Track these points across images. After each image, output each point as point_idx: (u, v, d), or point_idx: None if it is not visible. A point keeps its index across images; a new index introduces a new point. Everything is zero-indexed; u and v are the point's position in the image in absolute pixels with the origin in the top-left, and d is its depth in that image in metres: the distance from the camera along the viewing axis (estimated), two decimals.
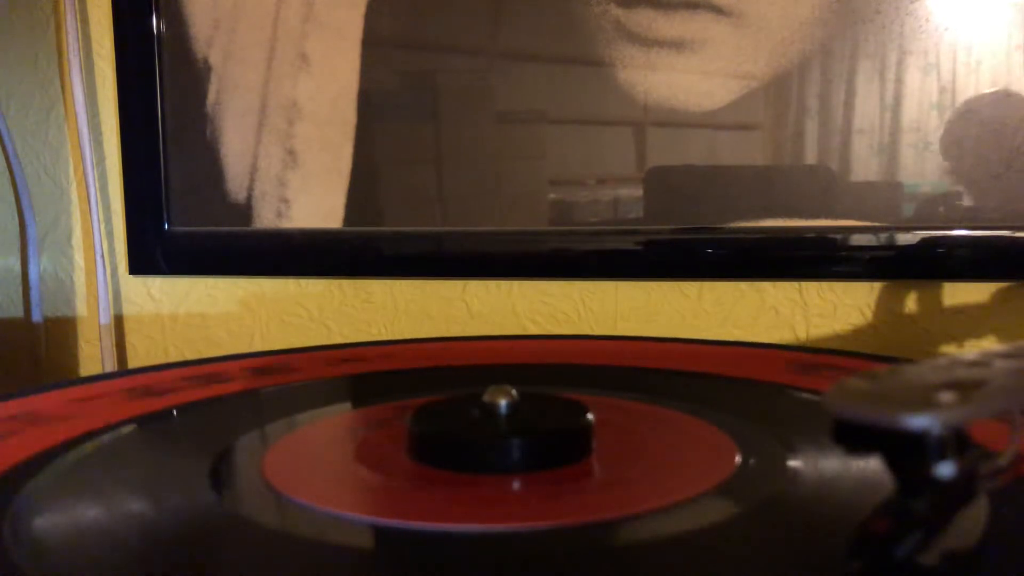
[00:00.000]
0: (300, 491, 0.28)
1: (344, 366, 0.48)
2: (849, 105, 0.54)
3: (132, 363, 0.66)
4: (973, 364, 0.22)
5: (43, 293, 0.67)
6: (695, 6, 0.55)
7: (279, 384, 0.44)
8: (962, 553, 0.22)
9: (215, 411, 0.39)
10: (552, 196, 0.58)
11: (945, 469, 0.19)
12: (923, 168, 0.54)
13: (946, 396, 0.19)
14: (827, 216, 0.55)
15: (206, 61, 0.62)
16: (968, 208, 0.53)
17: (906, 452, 0.19)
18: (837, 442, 0.20)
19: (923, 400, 0.19)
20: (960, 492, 0.21)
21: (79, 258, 0.67)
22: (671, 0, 0.56)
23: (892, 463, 0.20)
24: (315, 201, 0.61)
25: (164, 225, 0.63)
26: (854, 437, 0.20)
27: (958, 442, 0.19)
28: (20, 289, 0.67)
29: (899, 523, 0.20)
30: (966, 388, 0.20)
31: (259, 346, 0.64)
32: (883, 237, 0.54)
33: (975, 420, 0.20)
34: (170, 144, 0.63)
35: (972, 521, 0.23)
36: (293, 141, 0.61)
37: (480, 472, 0.29)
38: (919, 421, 0.19)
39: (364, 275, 0.62)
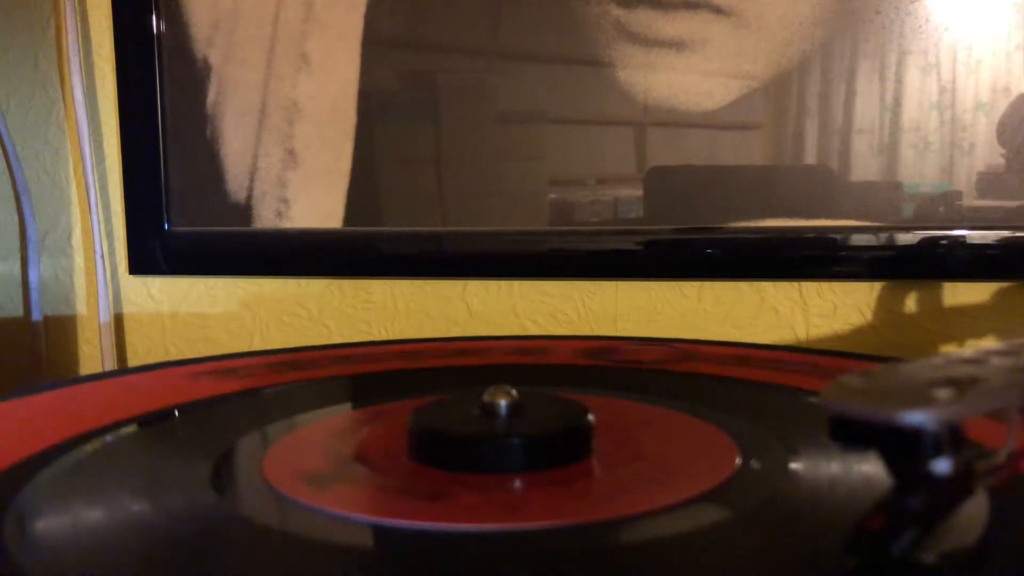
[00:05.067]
0: (300, 491, 0.28)
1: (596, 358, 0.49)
2: (849, 105, 0.54)
3: (132, 363, 0.66)
4: (969, 362, 0.22)
5: (43, 293, 0.67)
6: (695, 6, 0.55)
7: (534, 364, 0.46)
8: (962, 552, 0.22)
9: (216, 411, 0.39)
10: (552, 196, 0.58)
11: (941, 466, 0.19)
12: (923, 168, 0.54)
13: (942, 393, 0.19)
14: (827, 216, 0.55)
15: (206, 61, 0.62)
16: (969, 208, 0.53)
17: (902, 449, 0.19)
18: (834, 439, 0.20)
19: (919, 397, 0.19)
20: (956, 489, 0.21)
21: (79, 258, 0.67)
22: (671, 0, 0.56)
23: (888, 460, 0.20)
24: (315, 201, 0.61)
25: (164, 225, 0.63)
26: (851, 434, 0.20)
27: (954, 439, 0.19)
28: (20, 289, 0.67)
29: (895, 519, 0.20)
30: (962, 385, 0.20)
31: (258, 346, 0.64)
32: (883, 237, 0.54)
33: (971, 417, 0.20)
34: (170, 144, 0.63)
35: (972, 519, 0.23)
36: (293, 141, 0.61)
37: (480, 472, 0.29)
38: (915, 418, 0.19)
39: (364, 275, 0.62)
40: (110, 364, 0.64)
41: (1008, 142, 0.52)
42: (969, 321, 0.55)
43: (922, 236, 0.53)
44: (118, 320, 0.66)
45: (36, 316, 0.66)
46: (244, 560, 0.25)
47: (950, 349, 0.56)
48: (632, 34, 0.56)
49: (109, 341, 0.64)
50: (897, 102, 0.54)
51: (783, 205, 0.55)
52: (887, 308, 0.56)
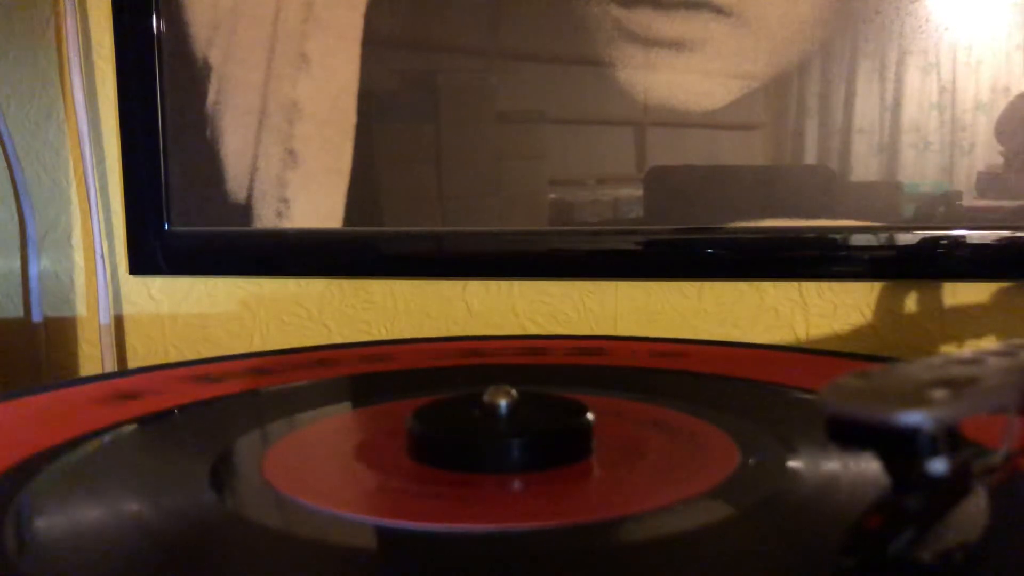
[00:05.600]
0: (300, 491, 0.29)
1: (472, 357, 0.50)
2: (849, 105, 0.54)
3: (132, 363, 0.66)
4: (967, 362, 0.22)
5: (43, 293, 0.67)
6: (695, 6, 0.55)
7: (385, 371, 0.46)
8: (960, 551, 0.22)
9: (215, 411, 0.39)
10: (552, 196, 0.58)
11: (937, 466, 0.19)
12: (923, 168, 0.54)
13: (938, 393, 0.19)
14: (827, 216, 0.55)
15: (206, 61, 0.62)
16: (969, 208, 0.53)
17: (899, 449, 0.19)
18: (831, 440, 0.20)
19: (915, 397, 0.19)
20: (953, 489, 0.21)
21: (79, 258, 0.67)
22: (671, 0, 0.56)
23: (885, 460, 0.20)
24: (315, 201, 0.61)
25: (164, 225, 0.63)
26: (848, 434, 0.20)
27: (951, 439, 0.19)
28: (20, 289, 0.67)
29: (892, 519, 0.20)
30: (959, 385, 0.20)
31: (259, 346, 0.64)
32: (883, 237, 0.54)
33: (968, 417, 0.20)
34: (170, 144, 0.63)
35: (971, 519, 0.23)
36: (293, 141, 0.61)
37: (480, 472, 0.29)
38: (911, 418, 0.19)
39: (364, 275, 0.62)
40: (110, 364, 0.64)
41: (1008, 142, 0.52)
42: (969, 321, 0.55)
43: (922, 236, 0.53)
44: (118, 320, 0.66)
45: (36, 316, 0.66)
46: (244, 560, 0.25)
47: (950, 349, 0.56)
48: (632, 34, 0.56)
49: (109, 341, 0.64)
50: (897, 102, 0.54)
51: (783, 205, 0.55)
52: (887, 308, 0.56)
